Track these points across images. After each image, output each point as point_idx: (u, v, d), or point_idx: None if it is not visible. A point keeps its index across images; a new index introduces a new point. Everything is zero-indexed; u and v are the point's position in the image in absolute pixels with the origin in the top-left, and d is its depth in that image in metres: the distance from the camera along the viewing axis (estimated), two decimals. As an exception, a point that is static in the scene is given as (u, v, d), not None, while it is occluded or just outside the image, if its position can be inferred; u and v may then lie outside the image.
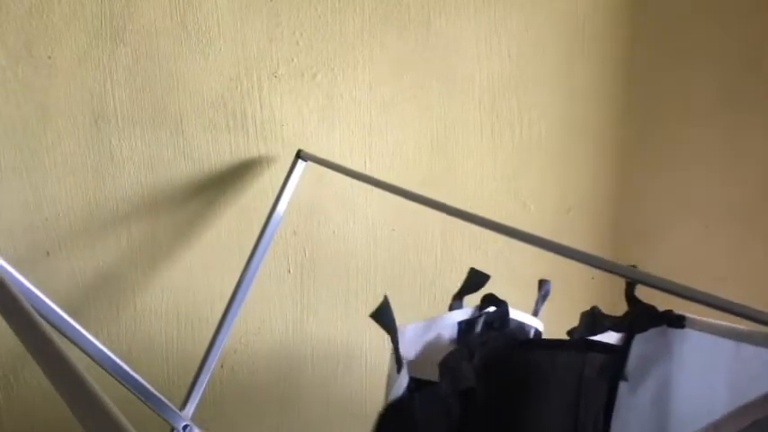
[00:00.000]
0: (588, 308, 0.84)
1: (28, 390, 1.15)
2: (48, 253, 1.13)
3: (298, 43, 1.17)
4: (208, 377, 1.10)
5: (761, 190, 1.45)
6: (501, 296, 0.88)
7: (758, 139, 1.43)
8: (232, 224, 1.21)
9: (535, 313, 0.90)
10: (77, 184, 1.12)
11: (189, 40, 1.12)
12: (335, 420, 1.36)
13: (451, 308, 0.85)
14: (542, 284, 0.89)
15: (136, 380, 0.95)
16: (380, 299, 0.74)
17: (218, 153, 1.17)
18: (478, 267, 0.88)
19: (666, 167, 1.40)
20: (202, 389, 1.09)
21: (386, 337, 0.77)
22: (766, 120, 1.42)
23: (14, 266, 0.92)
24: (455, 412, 0.74)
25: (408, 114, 1.25)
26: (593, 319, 0.81)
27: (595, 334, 0.82)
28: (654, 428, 0.84)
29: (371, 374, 1.37)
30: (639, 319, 0.81)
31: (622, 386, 0.83)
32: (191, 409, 1.06)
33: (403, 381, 0.72)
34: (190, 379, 1.09)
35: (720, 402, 0.79)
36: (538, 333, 0.89)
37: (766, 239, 1.50)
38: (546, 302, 0.90)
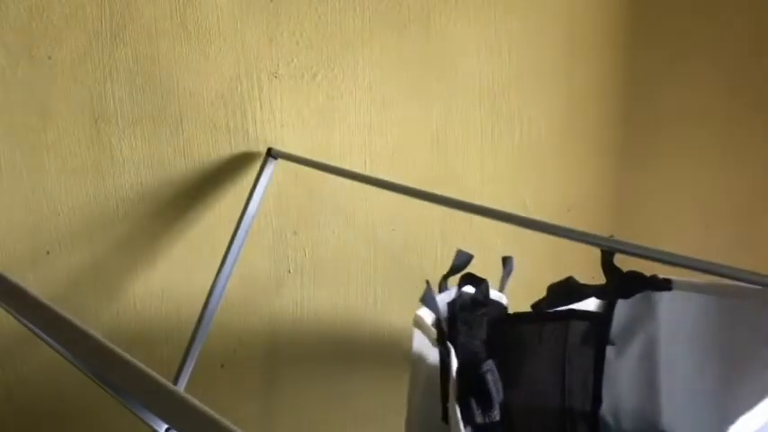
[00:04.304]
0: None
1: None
2: (48, 252, 1.13)
3: (298, 43, 1.17)
4: (186, 380, 1.08)
5: (761, 190, 1.45)
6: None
7: (758, 139, 1.43)
8: (232, 224, 1.21)
9: (501, 289, 0.92)
10: (77, 184, 1.12)
11: (189, 40, 1.12)
12: (335, 420, 1.36)
13: (441, 289, 0.87)
14: (506, 261, 0.92)
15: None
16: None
17: (218, 153, 1.17)
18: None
19: (666, 167, 1.40)
20: (182, 389, 1.07)
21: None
22: (766, 119, 1.42)
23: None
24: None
25: (408, 114, 1.25)
26: (569, 289, 0.84)
27: (572, 302, 0.85)
28: (644, 387, 0.87)
29: (371, 374, 1.37)
30: (625, 284, 0.83)
31: (609, 350, 0.87)
32: None
33: (451, 351, 0.73)
34: (190, 379, 1.10)
35: (709, 358, 0.82)
36: (504, 307, 0.91)
37: (766, 239, 1.50)
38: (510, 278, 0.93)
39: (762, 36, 1.38)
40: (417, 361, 0.83)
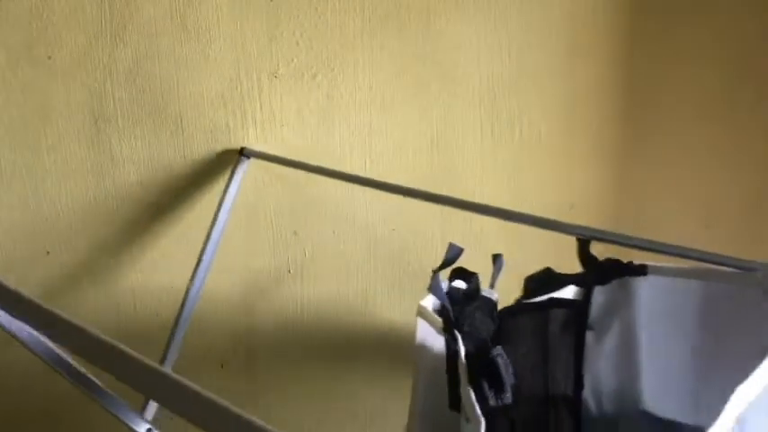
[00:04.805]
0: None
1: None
2: (48, 253, 1.13)
3: (298, 43, 1.17)
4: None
5: (761, 189, 1.45)
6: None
7: (759, 139, 1.43)
8: (232, 224, 1.21)
9: (491, 285, 0.93)
10: (77, 184, 1.12)
11: (189, 40, 1.12)
12: (336, 420, 1.36)
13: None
14: (496, 259, 0.93)
15: (89, 380, 0.87)
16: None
17: (218, 153, 1.17)
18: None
19: (667, 166, 1.40)
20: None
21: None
22: (766, 119, 1.42)
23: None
24: None
25: (408, 114, 1.25)
26: (548, 279, 0.86)
27: (552, 291, 0.87)
28: (624, 369, 0.90)
29: (372, 374, 1.37)
30: (602, 271, 0.86)
31: (589, 335, 0.89)
32: (150, 412, 1.03)
33: (458, 338, 0.75)
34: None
35: (688, 339, 0.85)
36: (494, 303, 0.92)
37: (767, 239, 1.50)
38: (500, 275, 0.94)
39: (762, 36, 1.38)
40: (421, 351, 0.84)
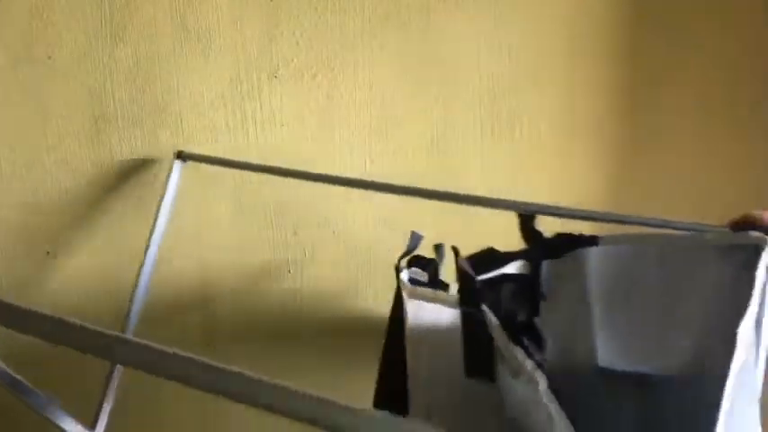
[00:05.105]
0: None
1: None
2: (48, 253, 1.14)
3: (298, 43, 1.17)
4: (113, 392, 1.03)
5: (762, 189, 1.45)
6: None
7: (759, 139, 1.43)
8: (231, 224, 1.21)
9: (437, 273, 0.96)
10: (77, 184, 1.12)
11: (189, 40, 1.12)
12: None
13: (398, 270, 0.91)
14: (438, 248, 0.96)
15: (11, 376, 0.84)
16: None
17: (218, 153, 1.17)
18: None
19: (667, 167, 1.40)
20: (110, 404, 1.02)
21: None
22: (767, 119, 1.42)
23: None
24: None
25: (408, 114, 1.25)
26: (492, 257, 0.89)
27: (498, 268, 0.89)
28: (579, 333, 0.92)
29: (373, 374, 1.37)
30: (556, 245, 0.90)
31: (542, 306, 0.91)
32: (101, 427, 1.01)
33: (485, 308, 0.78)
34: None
35: (642, 300, 0.88)
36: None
37: (766, 239, 1.50)
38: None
39: (762, 36, 1.38)
40: (416, 331, 0.85)
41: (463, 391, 0.81)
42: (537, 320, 0.74)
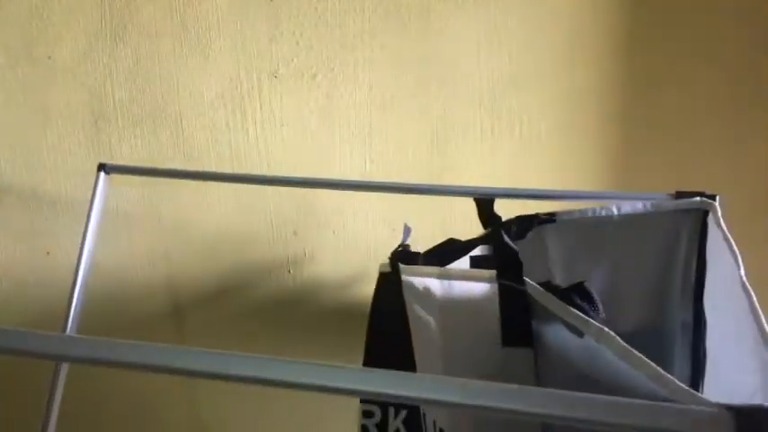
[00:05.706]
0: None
1: None
2: (48, 253, 1.14)
3: (298, 43, 1.17)
4: (57, 407, 0.97)
5: (762, 190, 1.45)
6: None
7: (759, 139, 1.43)
8: (231, 224, 1.21)
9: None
10: (77, 183, 1.12)
11: (189, 40, 1.12)
12: (338, 419, 1.36)
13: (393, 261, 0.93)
14: (405, 230, 0.99)
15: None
16: None
17: (218, 153, 1.17)
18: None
19: (667, 167, 1.40)
20: (54, 419, 0.96)
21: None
22: (767, 119, 1.42)
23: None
24: None
25: (408, 114, 1.25)
26: (456, 245, 0.92)
27: (462, 256, 0.91)
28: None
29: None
30: (519, 227, 0.95)
31: None
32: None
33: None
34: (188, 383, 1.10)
35: (610, 264, 0.95)
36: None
37: (767, 239, 1.50)
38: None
39: (762, 36, 1.38)
40: (419, 319, 0.87)
41: (495, 361, 0.83)
42: (587, 284, 0.76)
